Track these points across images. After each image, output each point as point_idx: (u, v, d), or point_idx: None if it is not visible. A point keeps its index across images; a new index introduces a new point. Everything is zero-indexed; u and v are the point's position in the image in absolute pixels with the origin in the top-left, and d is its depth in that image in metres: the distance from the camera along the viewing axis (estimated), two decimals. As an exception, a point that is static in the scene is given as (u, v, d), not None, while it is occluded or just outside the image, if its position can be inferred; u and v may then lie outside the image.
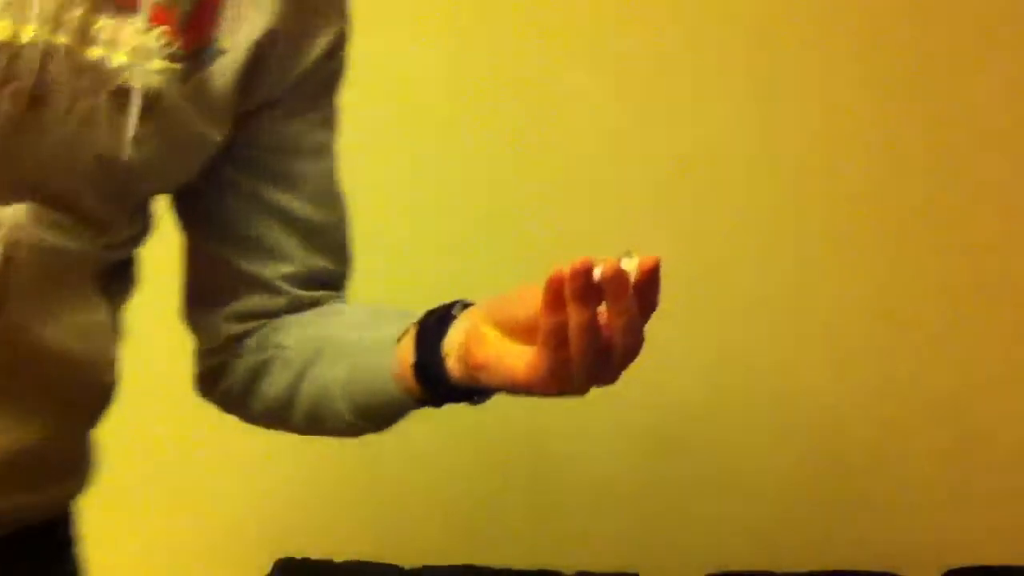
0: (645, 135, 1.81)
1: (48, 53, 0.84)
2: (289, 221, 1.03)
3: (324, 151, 1.06)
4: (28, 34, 0.83)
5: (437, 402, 0.96)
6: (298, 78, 1.00)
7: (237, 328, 1.05)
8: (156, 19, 0.88)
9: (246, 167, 1.01)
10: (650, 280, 0.81)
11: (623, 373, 0.85)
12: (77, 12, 0.85)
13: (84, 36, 0.86)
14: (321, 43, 1.01)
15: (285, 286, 1.04)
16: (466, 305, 0.94)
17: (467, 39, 1.79)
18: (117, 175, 0.90)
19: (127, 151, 0.88)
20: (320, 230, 1.05)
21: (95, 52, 0.86)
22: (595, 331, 0.80)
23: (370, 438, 1.78)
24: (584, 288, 0.79)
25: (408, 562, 1.69)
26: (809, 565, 1.70)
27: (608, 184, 1.81)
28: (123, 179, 0.91)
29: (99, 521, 1.78)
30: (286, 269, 1.04)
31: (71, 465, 0.99)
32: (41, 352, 0.90)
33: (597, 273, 0.79)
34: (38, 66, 0.84)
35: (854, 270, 1.83)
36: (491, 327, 0.88)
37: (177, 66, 0.90)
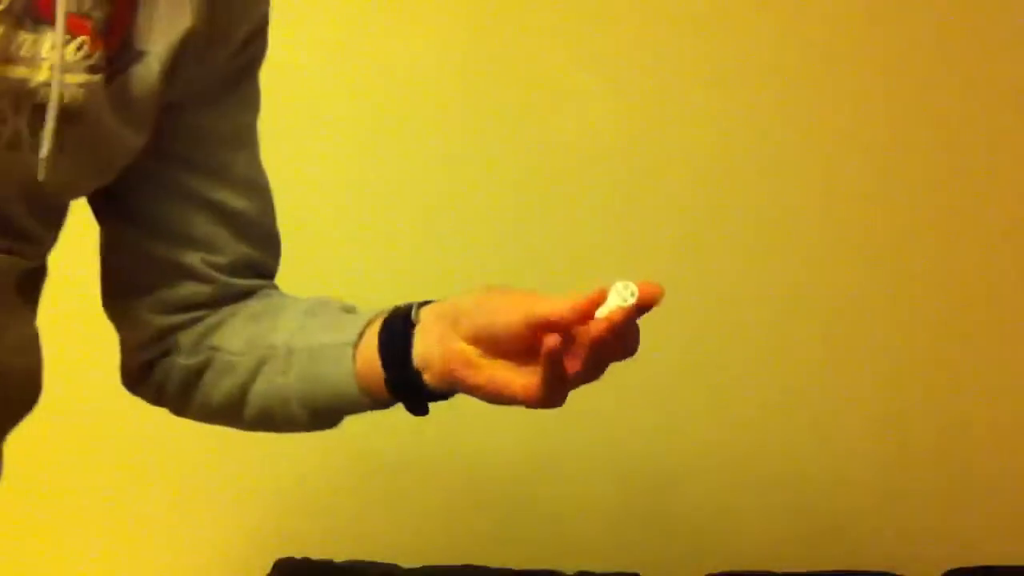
0: (645, 135, 1.81)
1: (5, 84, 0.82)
2: (214, 209, 1.01)
3: (245, 136, 1.04)
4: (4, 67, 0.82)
5: (414, 410, 0.96)
6: (217, 69, 0.98)
7: (168, 320, 1.02)
8: (74, 29, 0.85)
9: (167, 158, 0.98)
10: (650, 305, 0.83)
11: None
12: None
13: (5, 55, 0.83)
14: (240, 33, 0.99)
15: (215, 274, 1.02)
16: (420, 305, 0.94)
17: (467, 39, 1.79)
18: (45, 193, 0.89)
19: (40, 171, 0.85)
20: (246, 217, 1.03)
21: (17, 71, 0.84)
22: (597, 355, 0.83)
23: (370, 439, 1.78)
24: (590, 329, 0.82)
25: (408, 562, 1.69)
26: (809, 565, 1.70)
27: (607, 184, 1.81)
28: (51, 196, 0.90)
29: (99, 521, 1.78)
30: (215, 258, 1.02)
31: None
32: None
33: (603, 313, 0.82)
34: None
35: (853, 270, 1.83)
36: (466, 343, 0.88)
37: (98, 77, 0.87)
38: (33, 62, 0.84)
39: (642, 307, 0.83)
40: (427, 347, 0.91)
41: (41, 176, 0.84)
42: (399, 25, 1.77)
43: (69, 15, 0.84)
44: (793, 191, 1.82)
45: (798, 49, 1.81)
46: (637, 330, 0.84)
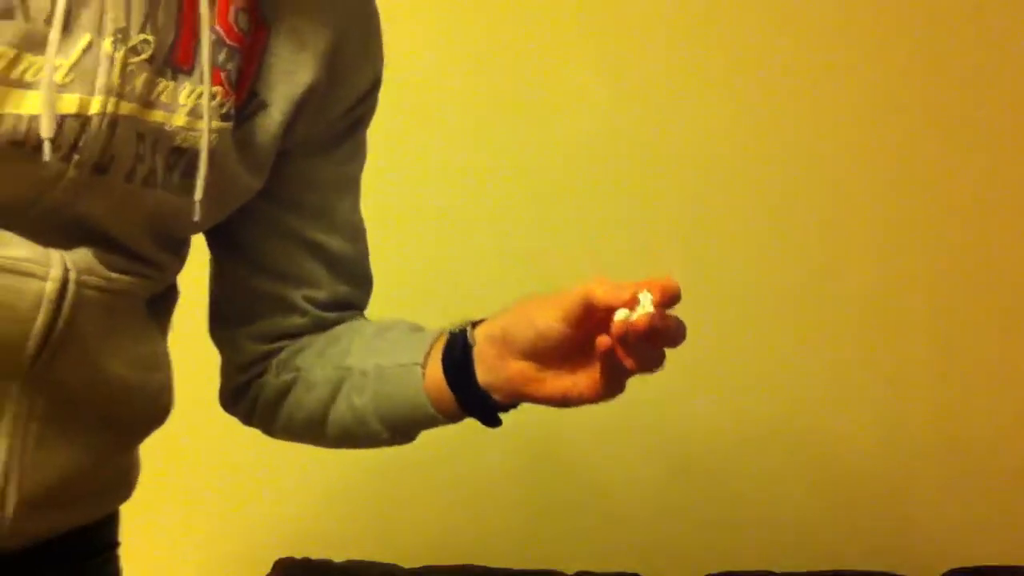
0: (644, 135, 1.81)
1: (113, 123, 0.87)
2: (317, 251, 1.07)
3: (351, 184, 1.11)
4: (95, 106, 0.86)
5: (487, 423, 1.02)
6: (332, 121, 1.05)
7: (264, 348, 1.09)
8: (218, 81, 0.92)
9: (276, 200, 1.04)
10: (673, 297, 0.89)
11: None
12: (140, 79, 0.88)
13: (146, 101, 0.89)
14: (357, 89, 1.05)
15: (310, 308, 1.09)
16: (473, 325, 1.00)
17: (467, 39, 1.79)
18: (171, 226, 0.96)
19: (195, 212, 0.92)
20: (345, 259, 1.10)
21: (156, 116, 0.89)
22: (647, 346, 0.88)
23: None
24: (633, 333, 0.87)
25: (408, 562, 1.69)
26: (809, 565, 1.70)
27: (608, 183, 1.81)
28: (177, 229, 0.97)
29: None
30: (313, 294, 1.08)
31: (122, 478, 1.04)
32: (107, 383, 0.94)
33: (638, 320, 0.86)
34: (104, 137, 0.86)
35: (857, 268, 1.83)
36: (518, 359, 0.95)
37: (228, 124, 0.94)
38: (171, 108, 0.90)
39: (666, 304, 0.87)
40: (487, 371, 0.98)
41: (197, 216, 0.92)
42: (400, 26, 1.77)
43: (214, 70, 0.91)
44: (794, 190, 1.82)
45: (799, 49, 1.81)
46: (674, 321, 0.88)
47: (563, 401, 0.95)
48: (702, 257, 1.82)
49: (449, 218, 1.80)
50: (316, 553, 1.69)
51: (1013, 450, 1.83)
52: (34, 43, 0.83)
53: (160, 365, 1.01)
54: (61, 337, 0.88)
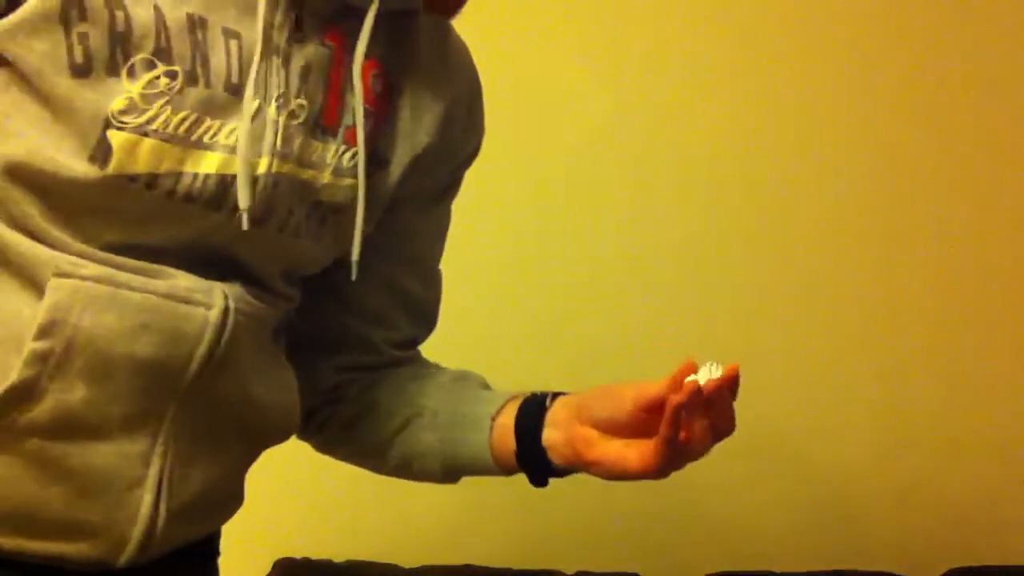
0: (643, 135, 1.81)
1: (276, 182, 0.96)
2: (404, 297, 1.17)
3: (441, 235, 1.20)
4: (263, 167, 0.94)
5: (538, 483, 1.11)
6: (437, 180, 1.14)
7: (339, 378, 1.17)
8: (349, 139, 1.00)
9: (375, 248, 1.08)
10: (734, 383, 1.01)
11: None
12: (298, 141, 0.96)
13: (300, 161, 0.97)
14: (462, 153, 1.15)
15: (387, 348, 1.17)
16: (555, 395, 1.09)
17: (466, 38, 1.79)
18: (303, 268, 1.06)
19: (352, 272, 1.03)
20: (423, 305, 1.19)
21: (307, 174, 0.98)
22: (702, 427, 0.99)
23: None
24: (699, 403, 0.97)
25: (408, 562, 1.69)
26: (809, 565, 1.70)
27: (607, 183, 1.81)
28: (306, 270, 1.07)
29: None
30: (391, 335, 1.17)
31: (241, 490, 1.12)
32: (252, 404, 1.03)
33: (703, 383, 0.97)
34: (268, 194, 0.95)
35: (857, 269, 1.83)
36: (586, 425, 1.03)
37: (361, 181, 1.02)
38: (319, 167, 0.99)
39: (729, 384, 0.99)
40: (555, 431, 1.07)
41: (354, 276, 1.02)
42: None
43: (347, 128, 1.00)
44: (795, 190, 1.82)
45: (799, 49, 1.81)
46: (730, 407, 1.01)
47: (611, 467, 1.01)
48: (701, 257, 1.82)
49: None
50: (316, 553, 1.69)
51: (1013, 451, 1.83)
52: (213, 107, 0.92)
53: (292, 387, 1.10)
54: (219, 361, 0.97)
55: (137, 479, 0.95)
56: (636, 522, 1.83)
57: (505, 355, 1.68)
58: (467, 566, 1.69)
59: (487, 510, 1.83)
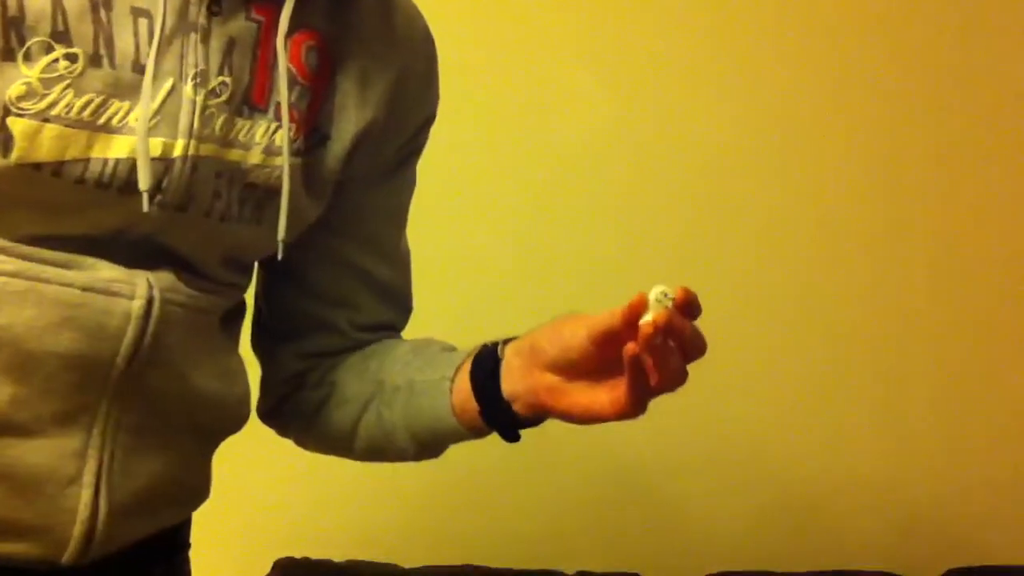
0: (642, 135, 1.81)
1: (195, 164, 0.91)
2: (364, 277, 1.12)
3: (400, 214, 1.15)
4: (179, 149, 0.90)
5: (509, 438, 1.06)
6: (387, 155, 1.09)
7: (302, 365, 1.13)
8: (280, 117, 0.95)
9: (327, 228, 1.06)
10: (689, 307, 0.92)
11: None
12: (219, 120, 0.92)
13: (224, 141, 0.93)
14: (413, 126, 1.10)
15: (352, 331, 1.13)
16: (504, 342, 1.03)
17: (467, 39, 1.79)
18: (243, 255, 1.02)
19: (278, 250, 0.98)
20: (389, 286, 1.14)
21: (233, 155, 0.94)
22: (672, 358, 0.92)
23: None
24: (661, 336, 0.89)
25: (408, 562, 1.69)
26: (809, 565, 1.70)
27: (607, 183, 1.82)
28: (248, 257, 1.04)
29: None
30: (355, 317, 1.12)
31: (201, 484, 1.10)
32: (192, 395, 1.00)
33: (646, 319, 0.88)
34: (186, 178, 0.91)
35: (856, 270, 1.83)
36: (545, 371, 0.98)
37: (299, 160, 0.98)
38: (247, 146, 0.95)
39: (685, 309, 0.90)
40: (513, 382, 1.01)
41: (281, 255, 0.98)
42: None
43: (278, 105, 0.95)
44: (794, 190, 1.82)
45: (799, 49, 1.81)
46: (695, 329, 0.92)
47: (584, 414, 0.96)
48: (700, 257, 1.82)
49: (447, 218, 1.80)
50: (316, 553, 1.69)
51: (1013, 450, 1.83)
52: (120, 89, 0.88)
53: (239, 376, 1.06)
54: (148, 352, 0.93)
55: (73, 476, 0.93)
56: (636, 522, 1.83)
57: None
58: (467, 566, 1.69)
59: (487, 510, 1.83)
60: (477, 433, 1.06)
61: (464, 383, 1.04)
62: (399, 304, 1.16)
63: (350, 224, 1.09)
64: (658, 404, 1.90)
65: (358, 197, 1.08)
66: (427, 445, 1.10)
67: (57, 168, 0.87)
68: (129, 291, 0.92)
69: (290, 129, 0.96)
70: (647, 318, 0.88)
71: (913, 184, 1.83)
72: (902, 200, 1.83)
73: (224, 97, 0.92)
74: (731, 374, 1.82)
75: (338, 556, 1.70)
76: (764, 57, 1.81)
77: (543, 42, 1.80)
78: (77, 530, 0.94)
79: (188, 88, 0.90)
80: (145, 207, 0.89)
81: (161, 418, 0.98)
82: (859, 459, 1.84)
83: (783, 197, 1.82)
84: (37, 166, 0.86)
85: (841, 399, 1.83)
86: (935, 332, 1.83)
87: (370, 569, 1.69)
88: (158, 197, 0.90)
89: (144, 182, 0.88)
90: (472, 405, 1.03)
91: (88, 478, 0.94)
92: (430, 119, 1.12)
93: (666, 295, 0.89)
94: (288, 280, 1.11)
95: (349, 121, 1.02)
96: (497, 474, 1.83)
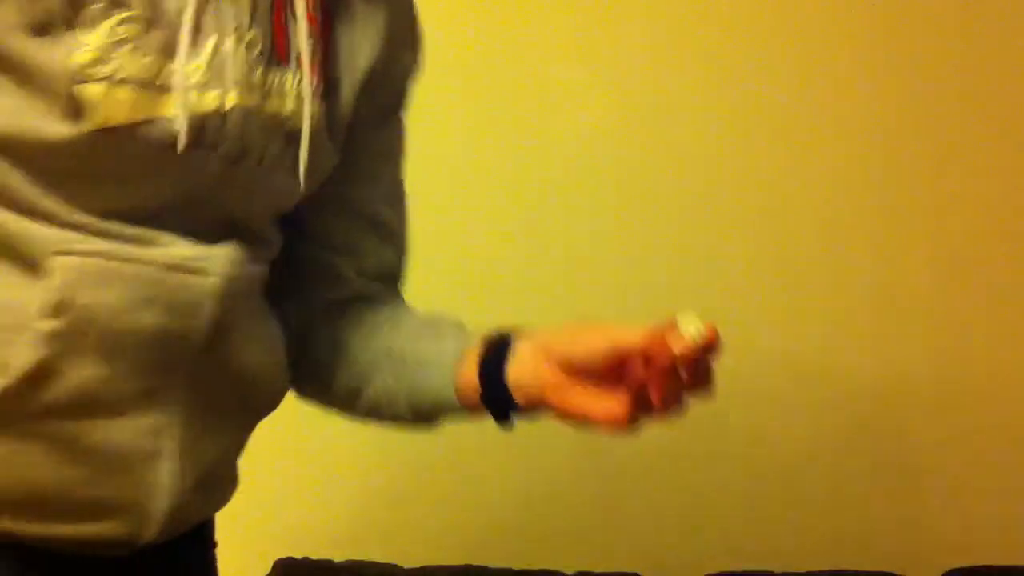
0: (641, 135, 1.81)
1: (245, 114, 0.94)
2: (365, 218, 1.13)
3: (398, 153, 1.17)
4: (230, 101, 0.93)
5: (500, 424, 1.07)
6: (386, 96, 1.12)
7: (311, 318, 1.14)
8: (301, 67, 0.98)
9: (332, 174, 1.08)
10: (714, 347, 0.94)
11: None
12: (258, 72, 0.95)
13: (264, 92, 0.96)
14: (404, 69, 1.13)
15: (356, 278, 1.14)
16: (517, 334, 1.05)
17: (467, 39, 1.79)
18: (284, 206, 1.04)
19: (302, 188, 1.00)
20: (390, 227, 1.15)
21: (273, 104, 0.97)
22: (678, 388, 0.94)
23: (369, 440, 1.78)
24: (673, 359, 0.92)
25: (408, 562, 1.69)
26: (809, 565, 1.70)
27: (607, 183, 1.82)
28: (286, 208, 1.05)
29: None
30: (360, 263, 1.14)
31: (236, 472, 1.11)
32: (251, 368, 1.02)
33: (683, 345, 0.92)
34: (239, 128, 0.94)
35: (854, 270, 1.83)
36: (555, 368, 1.00)
37: (320, 106, 1.01)
38: (282, 97, 0.97)
39: (707, 348, 0.92)
40: (520, 371, 1.03)
41: (302, 189, 0.99)
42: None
43: (298, 56, 0.98)
44: (793, 190, 1.83)
45: (798, 48, 1.81)
46: (709, 366, 0.95)
47: (579, 416, 0.99)
48: (700, 256, 1.82)
49: (447, 218, 1.80)
50: (316, 553, 1.69)
51: (1013, 450, 1.83)
52: (172, 48, 0.90)
53: (280, 347, 1.08)
54: (223, 327, 0.96)
55: (156, 452, 0.95)
56: (636, 522, 1.83)
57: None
58: (467, 566, 1.69)
59: (487, 510, 1.83)
60: (473, 413, 1.08)
61: (471, 363, 1.06)
62: (400, 247, 1.17)
63: (355, 167, 1.11)
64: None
65: (360, 139, 1.10)
66: (424, 417, 1.12)
67: (129, 131, 0.88)
68: (206, 268, 0.95)
69: (311, 78, 0.99)
70: (677, 344, 0.91)
71: (916, 187, 1.83)
72: (902, 200, 1.83)
73: (258, 50, 0.95)
74: (731, 374, 1.82)
75: (338, 556, 1.70)
76: (764, 57, 1.81)
77: (542, 42, 1.80)
78: (160, 505, 0.96)
79: (230, 42, 0.92)
80: (182, 141, 0.90)
81: (224, 393, 1.01)
82: (858, 459, 1.84)
83: (782, 197, 1.82)
84: (110, 131, 0.88)
85: (840, 399, 1.83)
86: (934, 332, 1.83)
87: (370, 569, 1.69)
88: (218, 150, 0.93)
89: (184, 136, 0.90)
90: (474, 385, 1.05)
91: (168, 454, 0.96)
92: (419, 64, 1.14)
93: (697, 329, 0.92)
94: (293, 230, 1.11)
95: (353, 67, 1.05)
96: (496, 475, 1.83)
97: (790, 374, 1.83)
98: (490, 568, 1.68)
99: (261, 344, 1.05)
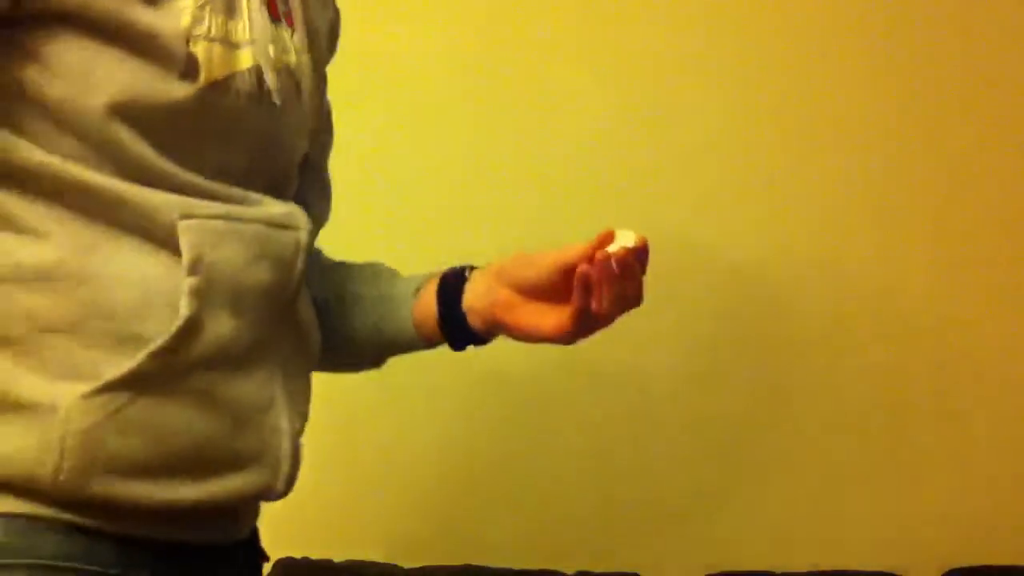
0: (641, 135, 1.81)
1: (284, 68, 1.03)
2: (316, 171, 1.18)
3: (329, 107, 1.22)
4: (272, 54, 1.02)
5: (456, 347, 1.16)
6: (331, 51, 1.21)
7: None
8: (292, 22, 1.07)
9: None
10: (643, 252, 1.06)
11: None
12: (272, 30, 1.03)
13: (283, 48, 1.04)
14: (336, 24, 1.21)
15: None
16: (473, 268, 1.15)
17: (467, 38, 1.79)
18: (301, 154, 1.11)
19: (310, 133, 1.10)
20: (326, 180, 1.21)
21: (288, 57, 1.05)
22: (614, 294, 1.03)
23: (369, 439, 1.79)
24: (609, 274, 1.02)
25: (408, 562, 1.69)
26: (809, 565, 1.70)
27: (607, 183, 1.81)
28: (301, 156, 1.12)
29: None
30: (308, 214, 1.16)
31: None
32: (304, 322, 1.09)
33: (617, 250, 1.02)
34: (285, 80, 1.03)
35: (852, 271, 1.83)
36: (507, 289, 1.10)
37: (311, 58, 1.09)
38: (286, 51, 1.05)
39: (638, 255, 1.04)
40: (475, 295, 1.12)
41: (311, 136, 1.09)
42: (401, 25, 1.77)
43: (285, 13, 1.06)
44: (792, 190, 1.82)
45: (798, 48, 1.81)
46: (639, 278, 1.05)
47: (528, 330, 1.08)
48: (699, 256, 1.82)
49: (446, 218, 1.80)
50: (316, 553, 1.69)
51: (1013, 450, 1.82)
52: (228, 9, 0.98)
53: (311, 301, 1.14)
54: (303, 279, 1.05)
55: (272, 400, 1.02)
56: (636, 522, 1.83)
57: (503, 353, 1.68)
58: (467, 566, 1.69)
59: (487, 510, 1.83)
60: (427, 342, 1.16)
61: (428, 296, 1.15)
62: (328, 196, 1.22)
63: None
64: (659, 403, 1.90)
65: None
66: (379, 353, 1.21)
67: (226, 84, 0.96)
68: (295, 223, 1.04)
69: (302, 32, 1.07)
70: (610, 249, 1.02)
71: (917, 188, 1.82)
72: (902, 200, 1.82)
73: (267, 11, 1.02)
74: (731, 374, 1.82)
75: (338, 556, 1.70)
76: (763, 56, 1.81)
77: (544, 43, 1.80)
78: (286, 450, 1.04)
79: (256, 3, 1.00)
80: (270, 84, 0.99)
81: (297, 343, 1.08)
82: (857, 459, 1.84)
83: (782, 196, 1.82)
84: (216, 85, 0.95)
85: (839, 397, 1.83)
86: (934, 332, 1.83)
87: (370, 569, 1.69)
88: (274, 99, 1.00)
89: (273, 84, 0.99)
90: (432, 314, 1.14)
91: (280, 402, 1.03)
92: (339, 19, 1.22)
93: (630, 237, 1.03)
94: None
95: (322, 19, 1.14)
96: (497, 475, 1.83)
97: (789, 374, 1.83)
98: (490, 568, 1.68)
99: (308, 297, 1.11)
